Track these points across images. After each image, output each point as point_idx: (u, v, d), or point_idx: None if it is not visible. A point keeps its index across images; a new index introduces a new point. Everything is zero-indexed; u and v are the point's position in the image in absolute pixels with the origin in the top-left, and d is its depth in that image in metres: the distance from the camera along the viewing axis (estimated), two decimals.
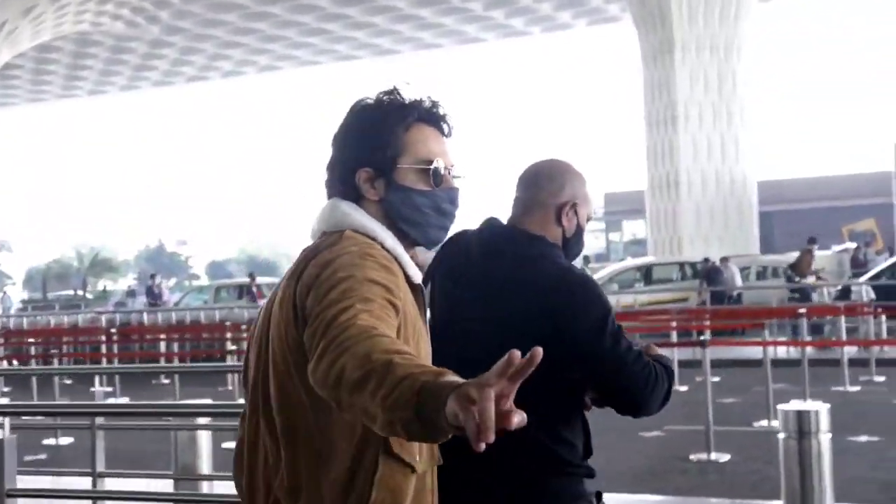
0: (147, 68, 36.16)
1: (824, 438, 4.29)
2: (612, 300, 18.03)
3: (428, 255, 1.93)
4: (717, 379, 9.63)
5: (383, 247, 1.60)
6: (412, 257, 1.68)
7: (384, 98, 1.67)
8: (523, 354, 1.10)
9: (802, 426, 4.25)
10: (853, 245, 23.97)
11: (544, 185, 2.06)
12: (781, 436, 4.37)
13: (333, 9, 29.20)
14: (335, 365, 1.31)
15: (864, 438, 7.28)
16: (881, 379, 10.67)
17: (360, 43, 33.12)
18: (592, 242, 42.85)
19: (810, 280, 17.08)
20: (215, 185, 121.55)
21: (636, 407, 1.94)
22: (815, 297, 16.54)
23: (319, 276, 1.50)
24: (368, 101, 1.68)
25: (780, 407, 4.52)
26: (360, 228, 1.61)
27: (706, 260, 19.24)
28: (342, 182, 1.68)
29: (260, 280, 21.67)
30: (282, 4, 28.95)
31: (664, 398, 1.95)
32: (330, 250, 1.55)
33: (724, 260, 18.71)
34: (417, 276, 1.65)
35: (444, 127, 1.71)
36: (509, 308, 1.89)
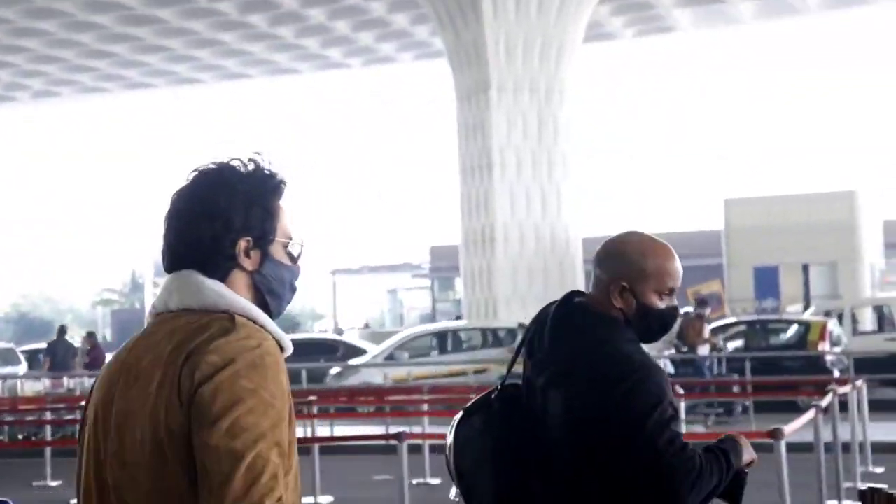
0: None
1: None
2: (403, 371, 16.02)
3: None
4: None
5: (262, 325, 1.63)
6: None
7: (257, 167, 1.70)
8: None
9: None
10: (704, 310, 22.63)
11: (603, 262, 2.20)
12: None
13: (118, 29, 26.22)
14: None
15: None
16: None
17: (153, 70, 30.14)
18: (418, 302, 40.63)
19: (702, 351, 14.84)
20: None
21: (663, 491, 1.98)
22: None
23: (220, 375, 1.51)
24: (243, 167, 1.70)
25: None
26: (241, 311, 1.62)
27: (521, 325, 16.78)
28: (210, 249, 1.64)
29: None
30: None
31: (709, 493, 2.02)
32: (226, 341, 1.54)
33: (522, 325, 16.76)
34: (289, 349, 1.67)
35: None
36: (566, 398, 2.04)
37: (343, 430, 13.41)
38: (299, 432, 10.17)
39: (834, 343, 16.01)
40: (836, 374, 14.33)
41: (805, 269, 22.38)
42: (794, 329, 17.46)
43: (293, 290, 1.75)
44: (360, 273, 43.32)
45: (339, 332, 29.84)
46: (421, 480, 10.04)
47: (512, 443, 2.03)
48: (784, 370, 14.64)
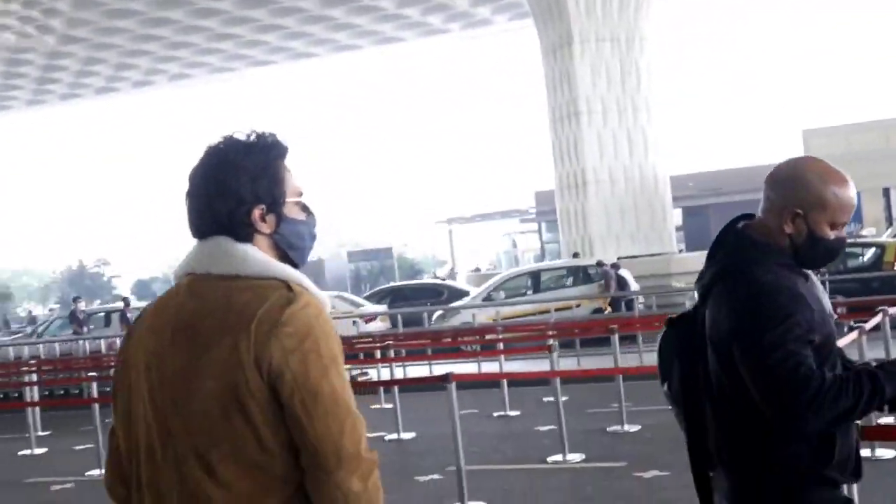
0: (51, 81, 35.51)
1: None
2: (502, 311, 17.19)
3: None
4: None
5: (307, 289, 1.76)
6: None
7: (268, 141, 1.80)
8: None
9: None
10: None
11: (778, 187, 2.13)
12: None
13: (238, 12, 28.55)
14: (376, 500, 1.66)
15: None
16: None
17: (273, 48, 32.50)
18: (531, 244, 42.23)
19: None
20: (136, 202, 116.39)
21: (775, 409, 1.97)
22: None
23: (303, 348, 1.64)
24: (249, 140, 1.79)
25: None
26: (290, 278, 1.74)
27: (599, 263, 18.43)
28: (230, 219, 1.75)
29: None
30: (185, 10, 28.38)
31: (837, 415, 1.96)
32: (293, 311, 1.66)
33: (616, 265, 18.00)
34: (328, 306, 1.79)
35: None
36: (709, 313, 2.11)
37: (438, 369, 13.39)
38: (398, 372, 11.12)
39: None
40: None
41: (886, 192, 22.64)
42: (870, 251, 17.54)
43: (313, 237, 1.88)
44: (473, 221, 45.41)
45: (453, 276, 31.84)
46: (501, 413, 10.52)
47: (691, 343, 2.15)
48: (860, 292, 14.60)
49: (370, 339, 15.05)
